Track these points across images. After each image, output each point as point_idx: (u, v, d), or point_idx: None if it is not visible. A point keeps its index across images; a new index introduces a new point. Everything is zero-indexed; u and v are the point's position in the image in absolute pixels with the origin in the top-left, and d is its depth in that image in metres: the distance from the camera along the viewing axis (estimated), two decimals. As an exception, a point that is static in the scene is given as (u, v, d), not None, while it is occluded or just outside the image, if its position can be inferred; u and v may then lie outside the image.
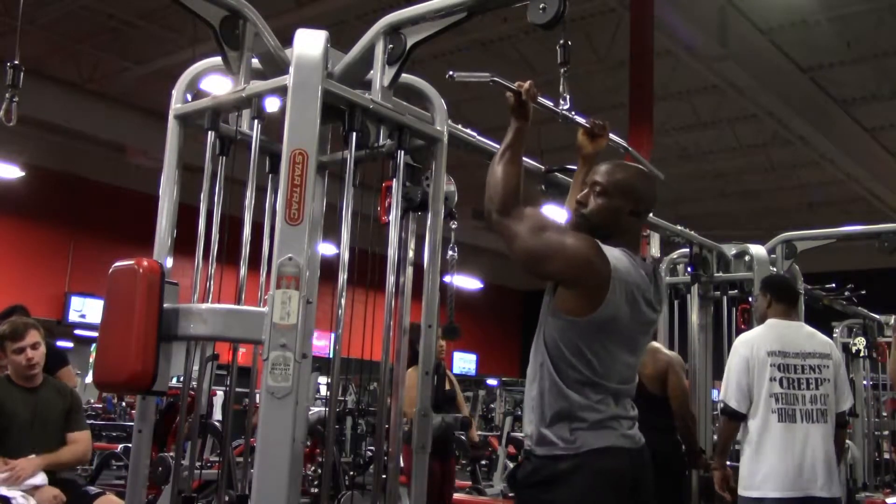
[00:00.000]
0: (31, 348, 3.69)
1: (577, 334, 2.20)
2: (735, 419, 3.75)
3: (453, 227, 2.94)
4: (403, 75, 2.71)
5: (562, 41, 2.82)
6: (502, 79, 2.48)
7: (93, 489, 3.87)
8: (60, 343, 13.54)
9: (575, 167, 2.89)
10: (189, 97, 2.81)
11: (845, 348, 7.57)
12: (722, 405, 3.81)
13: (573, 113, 2.83)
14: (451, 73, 2.55)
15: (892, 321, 4.61)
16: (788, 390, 3.70)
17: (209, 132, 2.70)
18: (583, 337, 2.20)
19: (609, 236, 2.28)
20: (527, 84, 2.40)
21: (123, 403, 11.80)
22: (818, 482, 3.59)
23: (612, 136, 2.90)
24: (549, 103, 2.73)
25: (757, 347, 3.77)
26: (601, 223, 2.31)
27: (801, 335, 3.88)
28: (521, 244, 2.21)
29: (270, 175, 2.89)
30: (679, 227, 4.83)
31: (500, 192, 2.28)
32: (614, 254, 2.21)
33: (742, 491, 3.70)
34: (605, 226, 2.31)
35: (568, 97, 2.84)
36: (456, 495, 5.89)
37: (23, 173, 12.16)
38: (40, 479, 3.57)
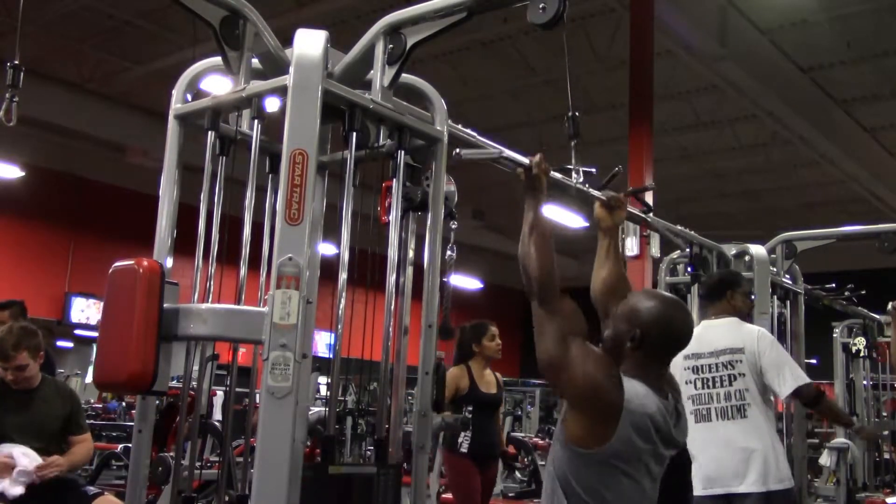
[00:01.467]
0: (16, 370, 3.66)
1: (588, 469, 2.11)
2: None
3: (453, 227, 2.94)
4: (403, 75, 2.71)
5: (570, 114, 2.76)
6: (512, 153, 2.42)
7: (92, 489, 3.86)
8: (60, 343, 13.58)
9: (576, 167, 2.88)
10: (189, 97, 2.81)
11: (845, 348, 7.58)
12: None
13: (587, 186, 2.77)
14: (457, 150, 2.50)
15: (890, 306, 4.59)
16: (703, 390, 3.77)
17: (209, 132, 2.70)
18: (592, 472, 2.11)
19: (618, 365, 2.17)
20: (537, 157, 2.35)
21: (123, 404, 11.78)
22: (738, 478, 3.63)
23: (630, 208, 2.83)
24: (561, 177, 2.65)
25: None
26: (608, 349, 2.24)
27: (719, 333, 3.89)
28: (545, 345, 2.12)
29: (270, 175, 2.89)
30: (679, 227, 4.83)
31: (536, 277, 2.17)
32: (632, 385, 2.12)
33: None
34: (610, 351, 2.22)
35: (581, 171, 2.76)
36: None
37: (23, 173, 12.13)
38: (29, 461, 3.56)
